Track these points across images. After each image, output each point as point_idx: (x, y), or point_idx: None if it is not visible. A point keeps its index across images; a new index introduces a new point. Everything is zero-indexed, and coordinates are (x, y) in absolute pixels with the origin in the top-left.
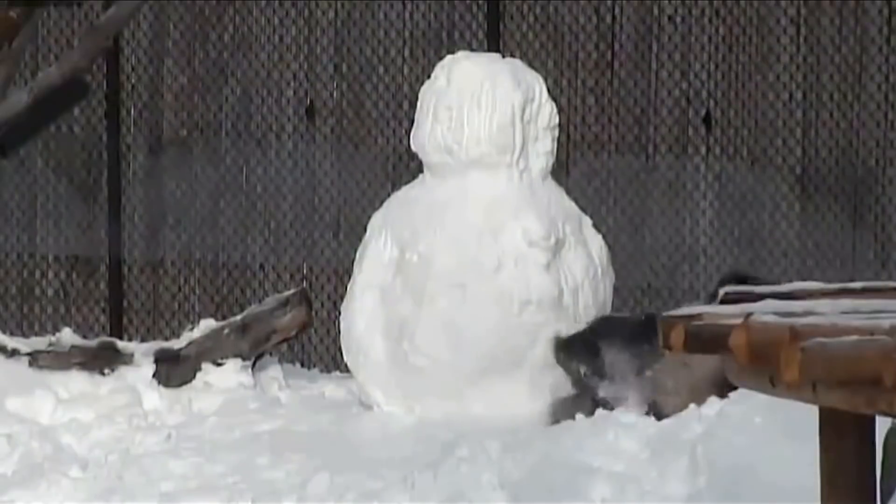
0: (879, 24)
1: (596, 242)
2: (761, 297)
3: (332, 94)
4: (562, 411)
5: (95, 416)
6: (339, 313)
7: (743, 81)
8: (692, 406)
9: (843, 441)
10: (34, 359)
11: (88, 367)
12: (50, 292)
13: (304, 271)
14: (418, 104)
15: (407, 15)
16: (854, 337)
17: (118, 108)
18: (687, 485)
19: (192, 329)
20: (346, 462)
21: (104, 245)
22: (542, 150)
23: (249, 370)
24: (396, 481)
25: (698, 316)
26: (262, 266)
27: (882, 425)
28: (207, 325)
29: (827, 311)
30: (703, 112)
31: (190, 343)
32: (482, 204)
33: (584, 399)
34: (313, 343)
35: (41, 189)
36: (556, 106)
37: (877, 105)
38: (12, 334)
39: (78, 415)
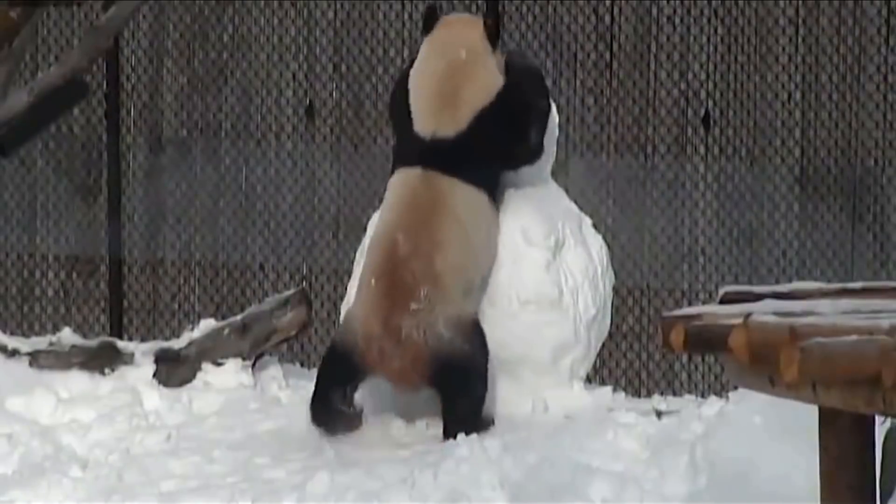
0: (878, 24)
1: (596, 242)
2: (761, 297)
3: (331, 95)
4: None
5: (95, 416)
6: (339, 313)
7: (742, 81)
8: (692, 406)
9: (843, 441)
10: (34, 359)
11: (88, 367)
12: (50, 292)
13: (304, 271)
14: None
15: (407, 15)
16: (853, 337)
17: (118, 108)
18: (687, 485)
19: (192, 329)
20: (346, 462)
21: (104, 245)
22: None
23: (249, 370)
24: (396, 481)
25: (698, 316)
26: (262, 266)
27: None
28: (207, 325)
29: (827, 311)
30: (702, 112)
31: (190, 343)
32: None
33: None
34: (313, 343)
35: (41, 189)
36: (556, 106)
37: (876, 105)
38: (12, 334)
39: (78, 415)
